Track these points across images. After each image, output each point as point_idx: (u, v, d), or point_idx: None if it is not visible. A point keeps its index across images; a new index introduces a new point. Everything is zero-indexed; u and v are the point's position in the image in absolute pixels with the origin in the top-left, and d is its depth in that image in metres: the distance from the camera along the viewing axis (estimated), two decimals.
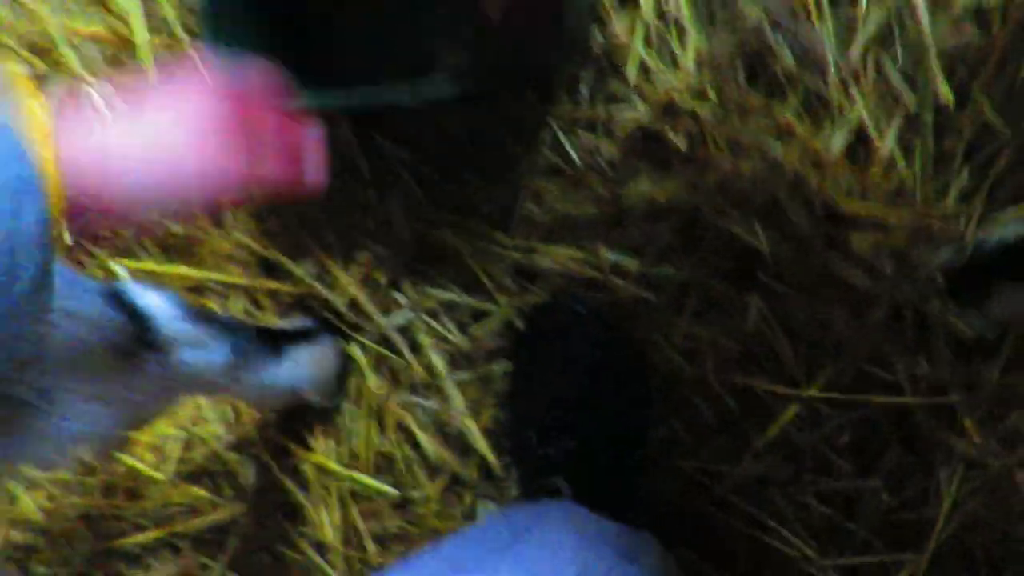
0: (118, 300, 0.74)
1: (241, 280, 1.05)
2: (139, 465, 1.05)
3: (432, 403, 0.99)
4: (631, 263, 0.94)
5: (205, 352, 0.83)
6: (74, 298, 0.65)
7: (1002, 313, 0.75)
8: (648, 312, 0.93)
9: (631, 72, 0.93)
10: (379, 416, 1.00)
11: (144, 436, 1.07)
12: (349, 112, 1.00)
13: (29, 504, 1.10)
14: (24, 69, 1.16)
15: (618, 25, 0.92)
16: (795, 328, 0.86)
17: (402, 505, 1.00)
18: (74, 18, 1.16)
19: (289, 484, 1.03)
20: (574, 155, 0.97)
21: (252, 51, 0.88)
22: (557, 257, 0.97)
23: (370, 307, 1.01)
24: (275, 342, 0.94)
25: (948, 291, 0.77)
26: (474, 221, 0.99)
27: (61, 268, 0.65)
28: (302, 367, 0.97)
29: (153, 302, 0.79)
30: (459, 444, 0.98)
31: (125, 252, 1.09)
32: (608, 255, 0.95)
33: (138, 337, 0.74)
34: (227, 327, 0.87)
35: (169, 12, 1.12)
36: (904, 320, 0.81)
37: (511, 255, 0.98)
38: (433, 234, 1.01)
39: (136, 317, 0.75)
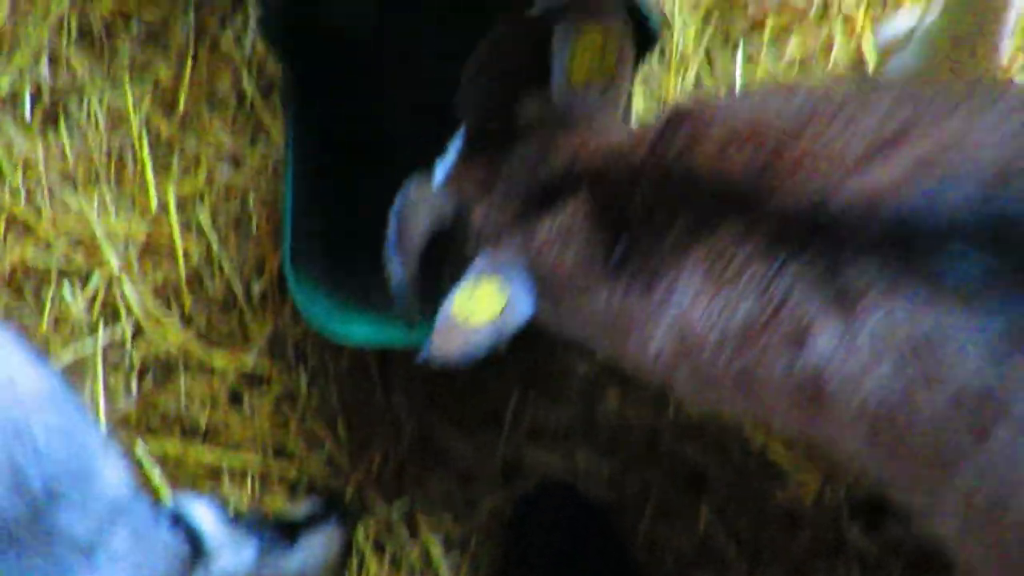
0: (178, 521, 0.86)
1: (256, 466, 1.17)
2: None
3: None
4: (601, 467, 1.11)
5: (238, 552, 0.95)
6: (163, 531, 0.78)
7: (894, 535, 0.95)
8: (615, 510, 1.09)
9: None
10: None
11: None
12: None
13: None
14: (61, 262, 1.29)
15: None
16: (739, 534, 1.04)
17: None
18: (112, 217, 1.31)
19: None
20: (555, 368, 1.15)
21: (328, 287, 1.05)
22: (539, 456, 1.13)
23: (374, 494, 1.15)
24: (291, 532, 1.07)
25: (851, 516, 0.97)
26: (469, 421, 1.16)
27: (147, 509, 0.79)
28: (312, 552, 1.09)
29: (199, 513, 0.92)
30: None
31: (150, 430, 1.21)
32: (582, 458, 1.12)
33: (194, 549, 0.87)
34: (254, 525, 1.00)
35: (204, 218, 1.28)
36: (823, 536, 1.00)
37: (500, 452, 1.14)
38: (433, 430, 1.16)
39: (190, 532, 0.88)
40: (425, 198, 0.83)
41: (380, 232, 0.86)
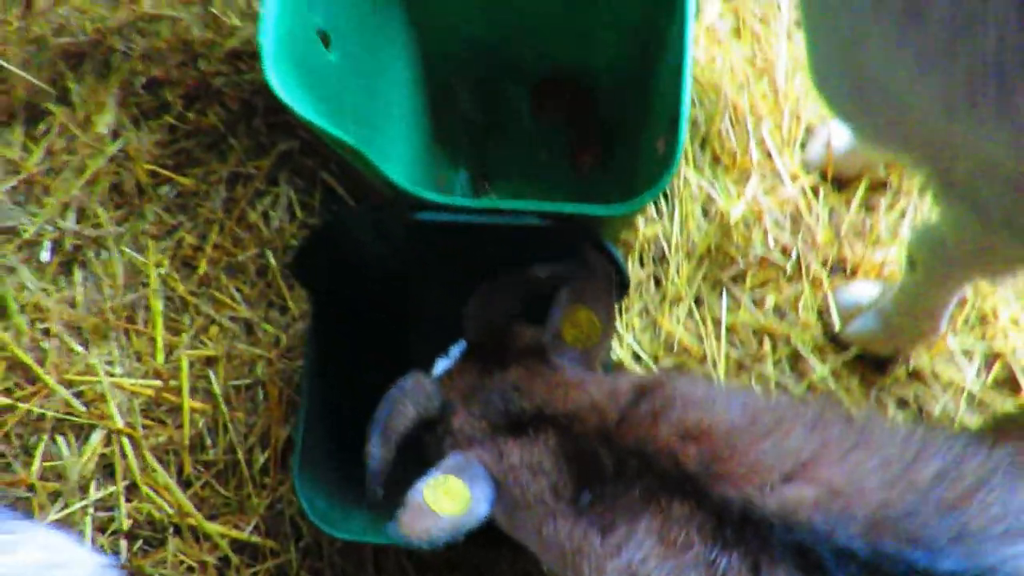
0: None
1: None
2: None
3: None
4: None
5: None
6: None
7: None
8: None
9: None
10: None
11: None
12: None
13: None
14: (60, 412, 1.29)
15: None
16: None
17: None
18: (117, 371, 1.33)
19: None
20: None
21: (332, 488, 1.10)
22: None
23: None
24: None
25: None
26: None
27: None
28: None
29: None
30: None
31: None
32: None
33: None
34: None
35: (216, 386, 1.31)
36: None
37: None
38: None
39: None
40: (418, 388, 0.95)
41: None
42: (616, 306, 1.16)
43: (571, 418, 0.90)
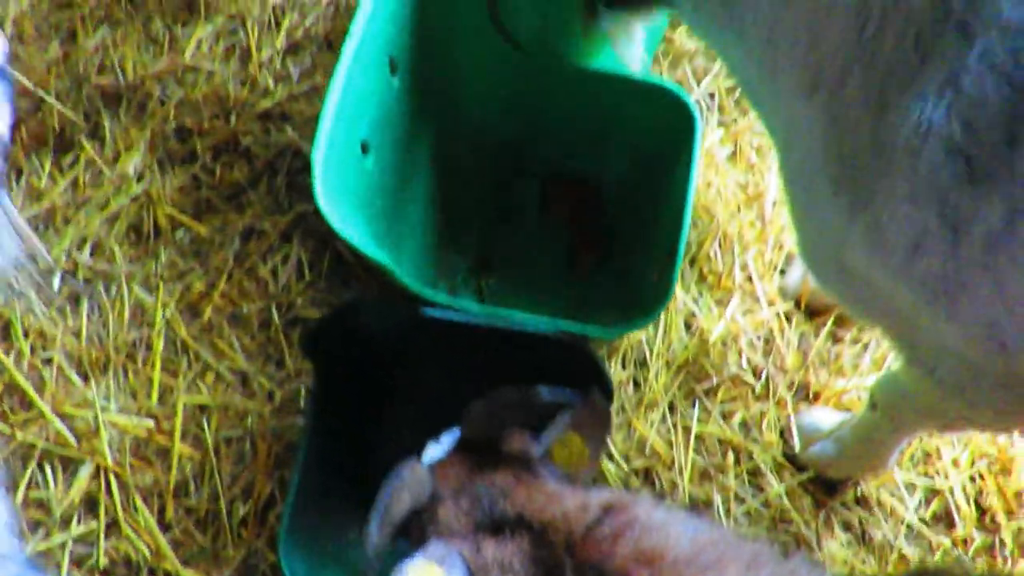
0: None
1: None
2: None
3: None
4: None
5: None
6: None
7: None
8: None
9: None
10: None
11: None
12: None
13: None
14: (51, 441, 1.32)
15: None
16: None
17: None
18: (112, 408, 1.37)
19: None
20: None
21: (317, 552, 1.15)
22: None
23: None
24: None
25: None
26: None
27: None
28: None
29: None
30: None
31: None
32: None
33: None
34: None
35: (208, 435, 1.36)
36: None
37: None
38: None
39: None
40: (414, 477, 1.03)
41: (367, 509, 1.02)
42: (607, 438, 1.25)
43: (545, 526, 0.98)
